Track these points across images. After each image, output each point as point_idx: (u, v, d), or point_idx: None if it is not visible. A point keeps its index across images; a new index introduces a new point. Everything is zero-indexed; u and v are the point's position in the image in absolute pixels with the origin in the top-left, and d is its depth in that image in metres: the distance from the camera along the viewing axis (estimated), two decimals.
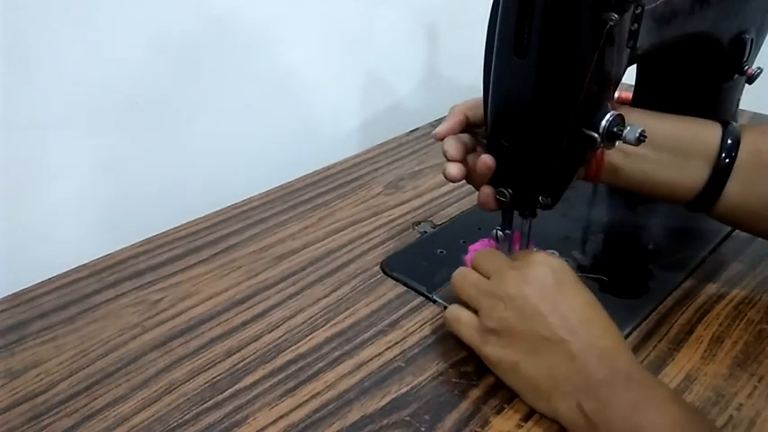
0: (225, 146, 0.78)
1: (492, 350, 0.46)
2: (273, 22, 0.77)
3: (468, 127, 0.53)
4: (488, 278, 0.48)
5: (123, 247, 0.65)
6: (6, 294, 0.59)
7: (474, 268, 0.50)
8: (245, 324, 0.55)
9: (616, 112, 0.45)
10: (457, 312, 0.49)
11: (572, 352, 0.42)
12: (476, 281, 0.48)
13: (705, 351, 0.50)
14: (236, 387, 0.48)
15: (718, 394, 0.46)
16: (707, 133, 0.49)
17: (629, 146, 0.45)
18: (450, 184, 0.75)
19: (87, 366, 0.51)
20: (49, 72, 0.61)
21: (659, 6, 0.48)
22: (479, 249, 0.52)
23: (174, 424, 0.45)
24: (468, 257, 0.55)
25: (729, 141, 0.48)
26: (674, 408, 0.39)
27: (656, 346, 0.50)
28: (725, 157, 0.48)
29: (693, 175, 0.49)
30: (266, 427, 0.45)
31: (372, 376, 0.49)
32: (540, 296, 0.44)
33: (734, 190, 0.49)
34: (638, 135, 0.45)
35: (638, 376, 0.41)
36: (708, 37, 0.56)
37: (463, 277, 0.49)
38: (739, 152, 0.48)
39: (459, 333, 0.49)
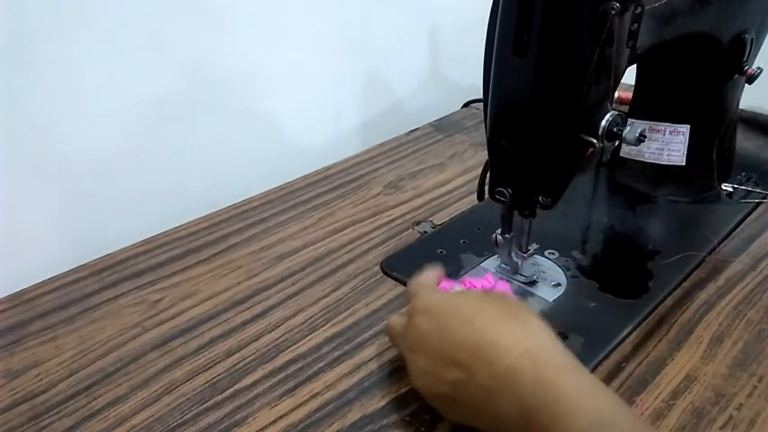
0: (225, 146, 0.78)
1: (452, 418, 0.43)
2: (274, 22, 0.77)
3: None
4: None
5: (123, 246, 0.65)
6: (6, 294, 0.59)
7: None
8: (245, 324, 0.55)
9: (616, 112, 0.45)
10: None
11: (483, 385, 0.38)
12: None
13: (705, 351, 0.50)
14: (235, 387, 0.48)
15: (718, 394, 0.46)
16: None
17: None
18: (450, 183, 0.75)
19: (87, 366, 0.51)
20: (49, 72, 0.61)
21: (659, 6, 0.48)
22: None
23: (174, 424, 0.45)
24: (467, 285, 0.52)
25: None
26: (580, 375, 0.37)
27: (656, 346, 0.50)
28: None
29: None
30: (266, 427, 0.45)
31: (372, 376, 0.49)
32: (426, 354, 0.41)
33: None
34: (637, 135, 0.45)
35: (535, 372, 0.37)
36: (708, 37, 0.56)
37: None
38: None
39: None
